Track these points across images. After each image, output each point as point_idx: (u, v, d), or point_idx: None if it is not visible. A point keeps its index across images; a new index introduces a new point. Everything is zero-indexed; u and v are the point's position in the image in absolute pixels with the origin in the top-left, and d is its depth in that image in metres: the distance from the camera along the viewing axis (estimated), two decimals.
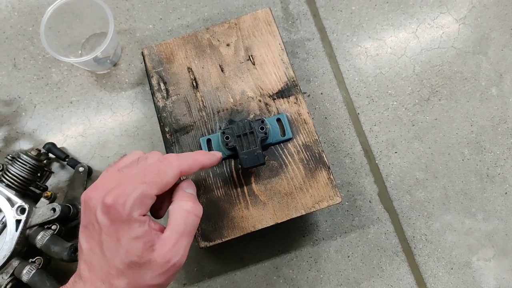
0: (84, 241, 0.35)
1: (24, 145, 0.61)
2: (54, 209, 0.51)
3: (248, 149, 0.45)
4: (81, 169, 0.57)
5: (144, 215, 0.34)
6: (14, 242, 0.48)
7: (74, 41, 0.63)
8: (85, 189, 0.55)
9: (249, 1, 0.65)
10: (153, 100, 0.52)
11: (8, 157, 0.53)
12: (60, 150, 0.58)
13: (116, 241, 0.33)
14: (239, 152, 0.45)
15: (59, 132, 0.62)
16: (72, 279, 0.35)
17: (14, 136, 0.61)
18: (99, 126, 0.62)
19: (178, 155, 0.38)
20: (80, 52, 0.64)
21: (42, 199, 0.53)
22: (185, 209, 0.36)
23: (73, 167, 0.57)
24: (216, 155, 0.42)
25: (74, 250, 0.49)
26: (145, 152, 0.39)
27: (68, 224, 0.54)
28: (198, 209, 0.37)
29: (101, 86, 0.63)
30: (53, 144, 0.58)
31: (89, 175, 0.59)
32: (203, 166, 0.40)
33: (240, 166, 0.47)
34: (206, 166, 0.40)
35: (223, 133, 0.46)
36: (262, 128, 0.46)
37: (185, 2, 0.65)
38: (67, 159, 0.58)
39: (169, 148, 0.50)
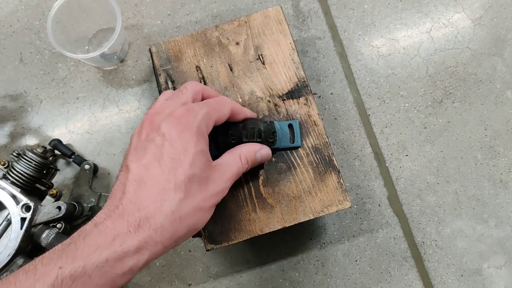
0: (135, 160, 0.34)
1: (29, 140, 0.60)
2: (59, 208, 0.50)
3: None
4: (86, 166, 0.56)
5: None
6: (19, 240, 0.48)
7: (81, 36, 0.62)
8: (90, 187, 0.55)
9: None
10: None
11: (14, 154, 0.52)
12: (66, 147, 0.58)
13: (183, 151, 0.33)
14: None
15: (65, 128, 0.61)
16: (100, 214, 0.32)
17: (20, 131, 0.61)
18: (105, 123, 0.61)
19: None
20: (87, 47, 0.63)
21: (48, 197, 0.52)
22: (245, 157, 0.40)
23: (78, 164, 0.57)
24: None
25: None
26: None
27: (73, 222, 0.53)
28: (245, 169, 0.40)
29: (107, 82, 0.62)
30: (59, 141, 0.58)
31: (95, 172, 0.58)
32: (246, 115, 0.42)
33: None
34: (248, 117, 0.43)
35: (231, 134, 0.45)
36: (270, 138, 0.45)
37: (195, 1, 0.64)
38: (72, 156, 0.57)
39: None
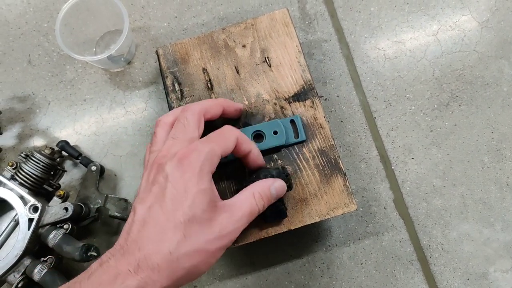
0: (140, 201, 0.35)
1: (37, 142, 0.61)
2: (66, 209, 0.51)
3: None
4: (93, 168, 0.57)
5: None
6: (26, 241, 0.48)
7: (89, 39, 0.63)
8: (97, 188, 0.55)
9: (266, 0, 0.64)
10: (167, 101, 0.51)
11: (22, 155, 0.53)
12: (73, 148, 0.58)
13: (184, 192, 0.33)
14: None
15: (72, 129, 0.61)
16: (107, 253, 0.33)
17: (28, 133, 0.61)
18: (112, 125, 0.61)
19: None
20: (94, 49, 0.63)
21: (55, 198, 0.53)
22: (259, 194, 0.38)
23: (85, 165, 0.57)
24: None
25: (86, 250, 0.49)
26: None
27: (80, 223, 0.54)
28: (261, 206, 0.39)
29: (114, 84, 0.63)
30: (67, 142, 0.58)
31: (102, 174, 0.59)
32: (250, 148, 0.41)
33: (263, 219, 0.45)
34: (253, 154, 0.42)
35: (245, 185, 0.42)
36: (286, 182, 0.44)
37: (201, 0, 0.64)
38: (80, 158, 0.58)
39: None
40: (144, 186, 0.36)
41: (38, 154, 0.52)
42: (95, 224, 0.58)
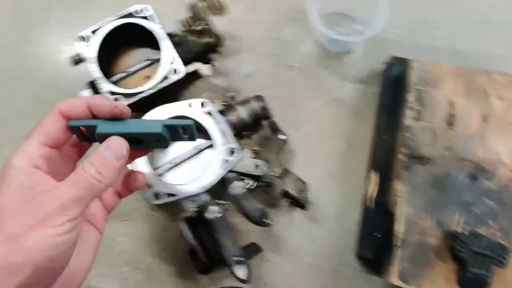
0: None
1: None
2: (257, 166, 0.50)
3: (477, 269, 0.41)
4: (282, 137, 0.55)
5: None
6: (216, 179, 0.48)
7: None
8: (277, 157, 0.54)
9: None
10: (398, 114, 0.49)
11: (237, 98, 0.52)
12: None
13: None
14: (467, 267, 0.42)
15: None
16: None
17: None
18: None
19: None
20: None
21: (247, 150, 0.52)
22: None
23: (273, 130, 0.56)
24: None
25: (264, 215, 0.48)
26: None
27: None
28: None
29: (325, 65, 0.61)
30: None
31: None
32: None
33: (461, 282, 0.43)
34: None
35: (455, 237, 0.42)
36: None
37: (444, 30, 0.61)
38: (270, 120, 0.56)
39: (399, 172, 0.47)
40: None
41: (254, 102, 0.51)
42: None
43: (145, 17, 0.51)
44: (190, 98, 0.50)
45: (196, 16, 0.53)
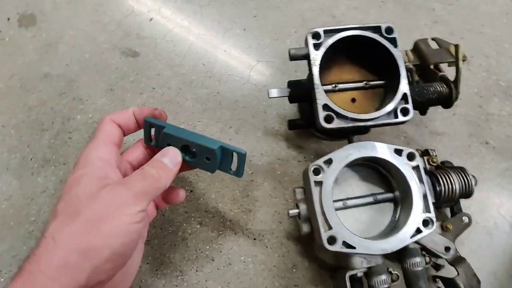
0: None
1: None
2: (447, 248, 0.43)
3: None
4: (465, 219, 0.48)
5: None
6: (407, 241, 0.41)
7: None
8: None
9: None
10: None
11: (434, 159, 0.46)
12: None
13: None
14: None
15: None
16: None
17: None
18: None
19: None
20: None
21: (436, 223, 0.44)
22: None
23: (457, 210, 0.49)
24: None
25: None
26: None
27: None
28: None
29: None
30: None
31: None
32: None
33: None
34: None
35: None
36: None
37: None
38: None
39: None
40: None
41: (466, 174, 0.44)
42: None
43: (388, 38, 0.44)
44: (370, 138, 0.44)
45: (422, 57, 0.47)
